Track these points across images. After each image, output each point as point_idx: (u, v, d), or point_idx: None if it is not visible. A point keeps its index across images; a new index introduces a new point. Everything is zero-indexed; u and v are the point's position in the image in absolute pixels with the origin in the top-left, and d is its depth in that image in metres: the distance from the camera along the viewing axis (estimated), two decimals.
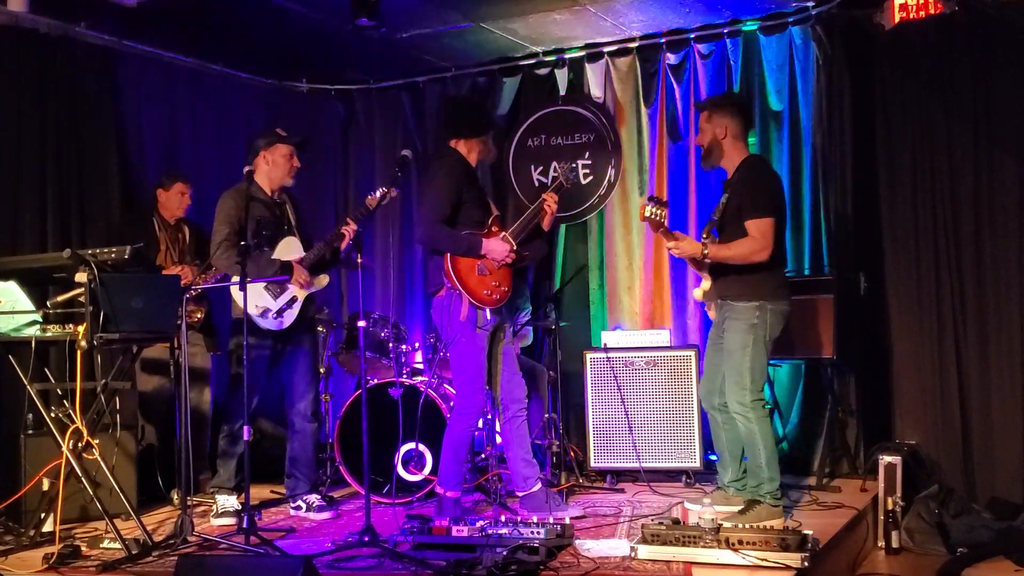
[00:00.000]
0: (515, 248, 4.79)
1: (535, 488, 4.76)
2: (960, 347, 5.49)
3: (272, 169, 5.08)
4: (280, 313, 4.97)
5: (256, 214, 4.97)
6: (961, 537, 4.97)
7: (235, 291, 4.91)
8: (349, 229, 5.03)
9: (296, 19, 6.00)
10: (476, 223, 4.77)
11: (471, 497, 5.27)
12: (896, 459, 5.10)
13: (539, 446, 5.86)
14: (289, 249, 5.09)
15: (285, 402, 5.23)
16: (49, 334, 4.37)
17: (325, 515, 5.02)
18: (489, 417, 5.28)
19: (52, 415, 4.49)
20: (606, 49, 6.71)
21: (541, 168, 6.93)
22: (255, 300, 4.95)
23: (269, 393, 5.28)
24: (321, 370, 6.28)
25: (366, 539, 4.10)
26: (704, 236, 4.53)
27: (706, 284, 4.68)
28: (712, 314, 4.77)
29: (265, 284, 4.95)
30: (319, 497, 5.14)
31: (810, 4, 6.01)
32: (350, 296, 7.31)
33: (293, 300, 5.02)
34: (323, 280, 5.16)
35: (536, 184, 6.90)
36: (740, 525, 3.93)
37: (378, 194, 5.10)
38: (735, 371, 4.55)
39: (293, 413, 5.18)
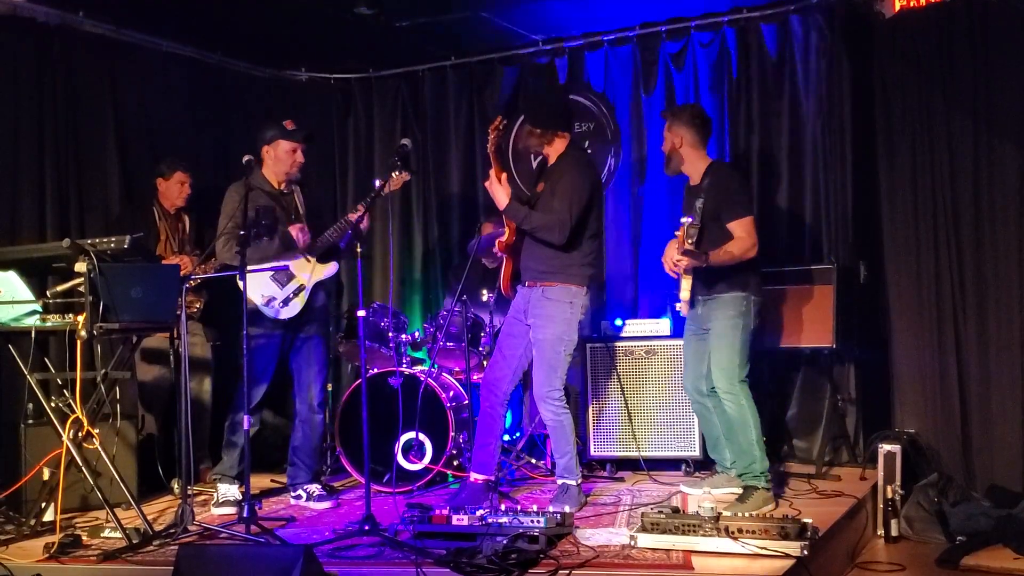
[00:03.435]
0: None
1: (475, 477, 4.82)
2: (960, 335, 5.48)
3: (275, 163, 5.06)
4: (286, 302, 4.95)
5: (260, 204, 4.96)
6: (960, 525, 4.97)
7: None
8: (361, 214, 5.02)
9: (296, 8, 5.98)
10: None
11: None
12: (895, 447, 5.11)
13: (538, 436, 5.87)
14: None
15: (293, 390, 5.22)
16: (49, 324, 4.38)
17: (325, 504, 5.02)
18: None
19: (52, 405, 4.50)
20: (606, 38, 6.68)
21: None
22: (260, 289, 4.94)
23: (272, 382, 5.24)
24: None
25: (366, 528, 4.11)
26: (690, 242, 4.62)
27: (687, 286, 4.71)
28: (685, 311, 4.82)
29: (272, 273, 4.94)
30: (319, 486, 5.14)
31: None
32: (350, 285, 7.29)
33: (300, 289, 4.99)
34: (328, 268, 5.09)
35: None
36: (740, 513, 3.96)
37: (392, 177, 5.02)
38: (725, 355, 4.71)
39: (300, 402, 5.18)
